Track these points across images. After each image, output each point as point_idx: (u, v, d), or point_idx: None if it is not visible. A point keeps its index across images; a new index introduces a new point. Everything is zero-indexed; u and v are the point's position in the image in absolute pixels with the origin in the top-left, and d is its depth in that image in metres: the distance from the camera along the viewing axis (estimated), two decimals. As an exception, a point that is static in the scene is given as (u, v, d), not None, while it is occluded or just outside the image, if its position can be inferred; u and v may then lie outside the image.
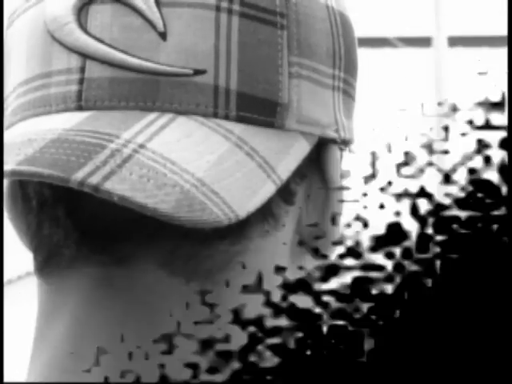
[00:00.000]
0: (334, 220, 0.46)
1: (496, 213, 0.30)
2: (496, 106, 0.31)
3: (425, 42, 4.81)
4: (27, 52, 0.43)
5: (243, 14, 0.42)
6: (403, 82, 12.84)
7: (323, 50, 0.44)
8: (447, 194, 0.31)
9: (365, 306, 0.31)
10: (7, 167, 0.37)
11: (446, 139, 0.32)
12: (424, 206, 0.31)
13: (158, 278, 0.42)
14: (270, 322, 0.33)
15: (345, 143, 0.47)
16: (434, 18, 4.55)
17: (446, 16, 4.57)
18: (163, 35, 0.41)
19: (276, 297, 0.44)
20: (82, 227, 0.42)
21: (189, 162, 0.39)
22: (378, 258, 0.31)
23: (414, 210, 0.31)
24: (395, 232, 0.31)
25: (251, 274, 0.42)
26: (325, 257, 0.46)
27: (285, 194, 0.43)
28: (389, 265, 0.31)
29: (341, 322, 0.31)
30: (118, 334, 0.41)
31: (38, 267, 0.44)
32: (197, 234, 0.41)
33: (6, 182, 0.47)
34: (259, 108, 0.42)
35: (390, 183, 0.32)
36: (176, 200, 0.37)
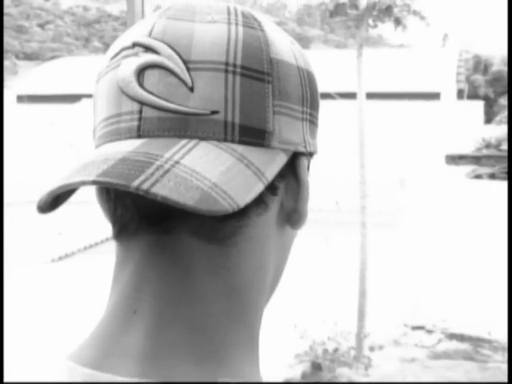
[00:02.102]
0: (303, 204, 0.52)
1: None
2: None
3: (352, 95, 4.96)
4: (107, 100, 0.48)
5: (243, 74, 0.46)
6: (337, 126, 13.02)
7: (295, 95, 0.49)
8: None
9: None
10: (90, 178, 0.42)
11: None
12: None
13: (189, 242, 0.47)
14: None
15: (311, 155, 0.53)
16: (356, 78, 4.69)
17: (365, 76, 4.72)
18: (191, 89, 0.46)
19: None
20: (142, 211, 0.48)
21: (207, 171, 0.43)
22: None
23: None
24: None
25: (250, 239, 0.50)
26: (297, 227, 0.54)
27: (271, 188, 0.48)
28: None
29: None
30: (164, 278, 0.47)
31: (114, 235, 0.50)
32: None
33: None
34: (254, 134, 0.47)
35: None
36: (198, 198, 0.41)
